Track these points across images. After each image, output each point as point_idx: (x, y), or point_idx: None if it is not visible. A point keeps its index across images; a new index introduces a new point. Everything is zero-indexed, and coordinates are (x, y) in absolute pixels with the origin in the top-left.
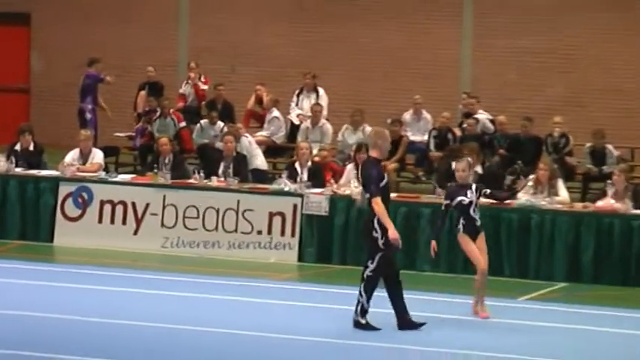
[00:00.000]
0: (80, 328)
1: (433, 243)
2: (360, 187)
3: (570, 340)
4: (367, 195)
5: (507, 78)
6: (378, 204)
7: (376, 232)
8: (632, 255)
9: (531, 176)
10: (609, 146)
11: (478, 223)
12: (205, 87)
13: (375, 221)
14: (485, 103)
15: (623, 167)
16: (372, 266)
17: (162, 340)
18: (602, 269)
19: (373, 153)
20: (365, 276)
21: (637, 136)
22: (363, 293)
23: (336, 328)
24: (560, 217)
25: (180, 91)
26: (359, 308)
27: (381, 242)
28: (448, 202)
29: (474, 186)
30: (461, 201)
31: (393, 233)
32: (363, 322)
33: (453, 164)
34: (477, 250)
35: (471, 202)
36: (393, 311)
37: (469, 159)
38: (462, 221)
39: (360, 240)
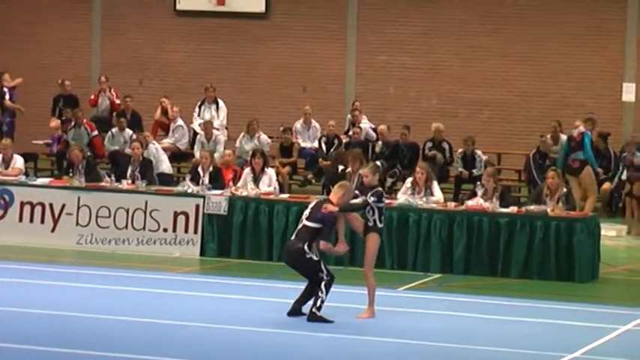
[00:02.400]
0: (3, 317)
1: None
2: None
3: (444, 324)
4: (316, 226)
5: (387, 91)
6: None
7: (308, 253)
8: (499, 249)
9: (409, 178)
10: (478, 152)
11: (370, 223)
12: (118, 100)
13: (306, 247)
14: (367, 114)
15: (491, 170)
16: (323, 274)
17: (77, 329)
18: (472, 262)
19: (334, 198)
20: (325, 279)
21: (501, 142)
22: (323, 290)
23: (233, 315)
24: (435, 215)
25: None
26: (318, 302)
27: (314, 256)
28: None
29: (373, 190)
30: None
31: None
32: (319, 314)
33: (340, 167)
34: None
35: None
36: (296, 298)
37: (376, 163)
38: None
39: (257, 237)
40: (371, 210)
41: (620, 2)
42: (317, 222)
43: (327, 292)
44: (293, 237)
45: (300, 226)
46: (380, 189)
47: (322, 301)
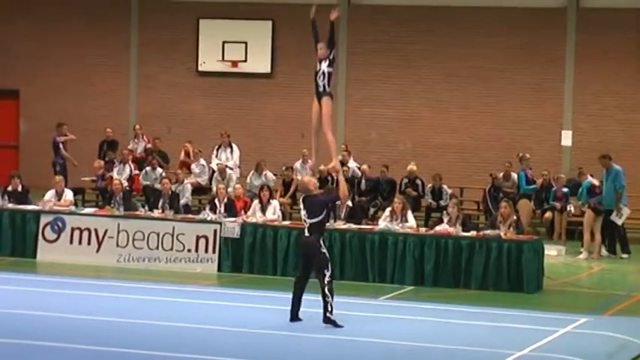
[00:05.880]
0: (57, 322)
1: None
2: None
3: (417, 327)
4: (320, 219)
5: (370, 137)
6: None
7: (323, 247)
8: (461, 265)
9: (388, 208)
10: (444, 186)
11: (321, 89)
12: (149, 145)
13: (321, 241)
14: (354, 155)
15: (455, 201)
16: (328, 273)
17: (118, 331)
18: (440, 276)
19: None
20: (326, 282)
21: (463, 179)
22: (329, 294)
23: (245, 319)
24: (409, 238)
25: (129, 147)
26: (329, 307)
27: (327, 253)
28: None
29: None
30: None
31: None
32: (332, 317)
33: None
34: None
35: None
36: (291, 307)
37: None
38: None
39: (264, 256)
40: (322, 75)
41: (559, 66)
42: (319, 215)
43: (332, 296)
44: (306, 233)
45: (307, 225)
46: None
47: (332, 305)
